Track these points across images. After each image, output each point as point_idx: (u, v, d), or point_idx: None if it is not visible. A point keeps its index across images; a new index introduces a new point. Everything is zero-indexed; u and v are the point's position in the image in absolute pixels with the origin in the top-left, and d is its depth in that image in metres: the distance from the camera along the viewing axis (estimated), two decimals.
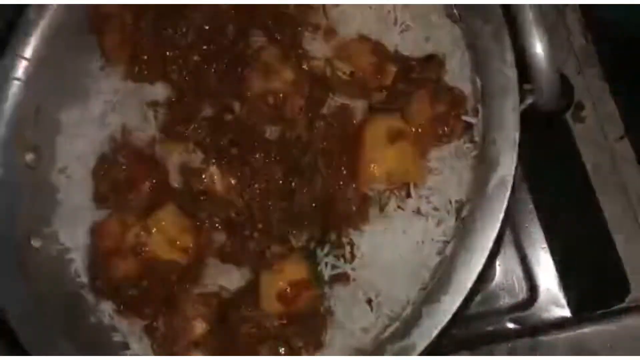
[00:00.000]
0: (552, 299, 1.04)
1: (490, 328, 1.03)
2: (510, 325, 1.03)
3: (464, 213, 0.73)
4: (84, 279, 1.02)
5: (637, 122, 1.34)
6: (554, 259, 1.05)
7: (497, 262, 1.05)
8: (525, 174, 1.10)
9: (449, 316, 0.69)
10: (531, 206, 1.06)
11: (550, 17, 1.32)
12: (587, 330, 1.02)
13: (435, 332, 0.69)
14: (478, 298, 1.05)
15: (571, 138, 1.25)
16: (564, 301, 1.04)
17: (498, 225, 0.68)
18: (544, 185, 1.13)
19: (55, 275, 1.01)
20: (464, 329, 1.04)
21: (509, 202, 0.99)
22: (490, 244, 0.67)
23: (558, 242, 1.07)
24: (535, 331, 1.02)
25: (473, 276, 0.68)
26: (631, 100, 1.37)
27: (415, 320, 0.71)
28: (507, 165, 0.68)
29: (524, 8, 0.58)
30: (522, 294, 1.04)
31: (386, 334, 0.73)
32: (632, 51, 1.36)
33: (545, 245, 1.06)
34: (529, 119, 1.12)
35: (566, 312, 1.03)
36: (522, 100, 0.68)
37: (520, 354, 1.02)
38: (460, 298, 0.69)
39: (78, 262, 1.03)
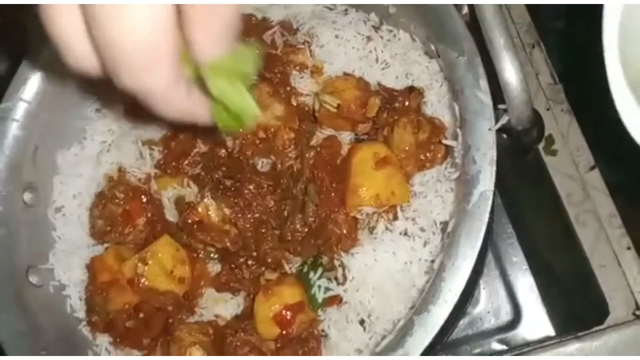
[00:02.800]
0: (536, 319, 1.08)
1: (477, 350, 1.06)
2: (497, 346, 1.06)
3: (449, 229, 0.77)
4: (80, 314, 1.04)
5: (606, 153, 1.42)
6: (536, 282, 1.10)
7: (482, 286, 1.10)
8: (504, 203, 1.16)
9: (439, 325, 0.73)
10: (511, 231, 1.11)
11: (520, 57, 1.42)
12: (570, 349, 1.05)
13: (427, 341, 0.72)
14: (465, 321, 1.08)
15: (544, 170, 1.32)
16: (547, 322, 1.08)
17: (482, 235, 0.73)
18: (523, 213, 1.19)
19: (52, 311, 1.02)
20: (452, 352, 1.07)
21: (491, 227, 1.05)
22: (475, 253, 0.72)
23: (539, 266, 1.12)
24: (521, 351, 1.05)
25: (461, 284, 0.72)
26: (599, 132, 1.46)
27: (407, 330, 0.74)
28: (487, 181, 0.74)
29: (494, 35, 0.65)
30: (506, 315, 1.08)
31: (379, 348, 0.76)
32: (595, 88, 1.46)
33: (527, 269, 1.10)
34: (506, 152, 1.19)
35: (550, 332, 1.07)
36: (497, 120, 0.74)
37: None
38: (450, 306, 0.72)
39: (74, 298, 1.05)
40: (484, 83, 0.76)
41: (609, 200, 1.31)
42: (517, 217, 1.13)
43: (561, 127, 1.36)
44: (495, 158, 0.74)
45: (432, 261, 0.87)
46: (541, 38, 1.40)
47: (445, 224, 0.87)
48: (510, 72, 0.65)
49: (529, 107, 0.68)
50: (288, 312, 0.89)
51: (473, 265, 0.72)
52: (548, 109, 1.37)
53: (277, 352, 0.91)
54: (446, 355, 1.08)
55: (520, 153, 1.26)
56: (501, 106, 0.73)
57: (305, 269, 0.93)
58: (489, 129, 0.73)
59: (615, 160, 1.46)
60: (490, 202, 0.73)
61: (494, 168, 0.74)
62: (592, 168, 1.34)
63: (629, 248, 1.27)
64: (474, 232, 0.73)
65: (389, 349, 0.75)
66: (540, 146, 1.34)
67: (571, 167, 1.33)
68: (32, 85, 1.06)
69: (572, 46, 1.47)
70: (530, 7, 1.40)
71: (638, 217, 1.36)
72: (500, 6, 0.66)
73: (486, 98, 0.75)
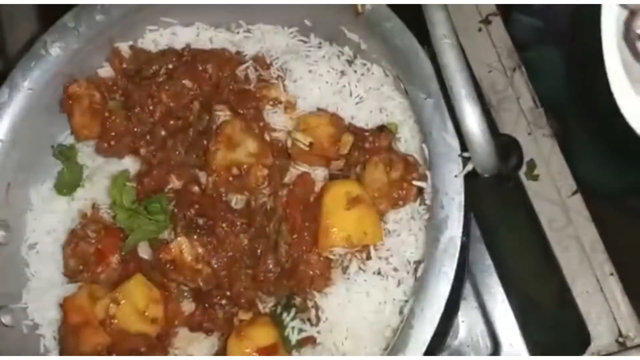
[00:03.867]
0: (516, 351, 1.07)
1: None
2: None
3: (419, 273, 0.77)
4: (54, 353, 1.03)
5: (588, 178, 1.42)
6: (514, 313, 1.09)
7: (461, 319, 1.09)
8: (482, 231, 1.14)
9: None
10: (489, 262, 1.10)
11: (501, 81, 1.42)
12: None
13: None
14: (445, 355, 1.07)
15: (526, 195, 1.32)
16: (526, 353, 1.07)
17: (449, 283, 0.72)
18: (501, 241, 1.18)
19: (25, 352, 1.01)
20: None
21: (468, 259, 1.04)
22: (443, 302, 0.71)
23: (517, 295, 1.11)
24: None
25: (429, 333, 0.71)
26: (581, 157, 1.45)
27: None
28: (455, 227, 0.73)
29: (455, 85, 0.64)
30: (485, 349, 1.07)
31: None
32: (578, 111, 1.46)
33: (504, 299, 1.09)
34: (483, 180, 1.19)
35: None
36: (464, 166, 0.74)
37: None
38: (418, 354, 0.71)
39: (48, 337, 1.04)
40: (450, 126, 0.75)
41: (592, 226, 1.30)
42: (496, 246, 1.12)
43: (543, 151, 1.36)
44: (463, 203, 0.73)
45: (406, 301, 0.86)
46: (522, 61, 1.40)
47: (418, 264, 0.86)
48: (472, 123, 0.65)
49: (492, 157, 0.68)
50: (261, 355, 0.88)
51: (442, 311, 0.71)
52: (529, 134, 1.37)
53: None
54: None
55: (500, 181, 1.26)
56: (466, 154, 0.72)
57: (279, 310, 0.92)
58: (456, 175, 0.72)
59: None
60: (458, 248, 0.72)
61: (462, 213, 0.73)
62: (574, 193, 1.34)
63: (611, 274, 1.27)
64: (442, 278, 0.72)
65: None
66: (522, 171, 1.33)
67: (553, 192, 1.33)
68: (4, 123, 1.05)
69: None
70: (510, 31, 1.41)
71: (622, 243, 1.36)
72: (461, 52, 0.65)
73: (453, 141, 0.75)
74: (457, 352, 1.08)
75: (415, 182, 0.85)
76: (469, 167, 0.72)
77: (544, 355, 1.08)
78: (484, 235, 1.14)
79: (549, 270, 1.23)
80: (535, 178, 1.34)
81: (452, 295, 0.76)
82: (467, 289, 1.10)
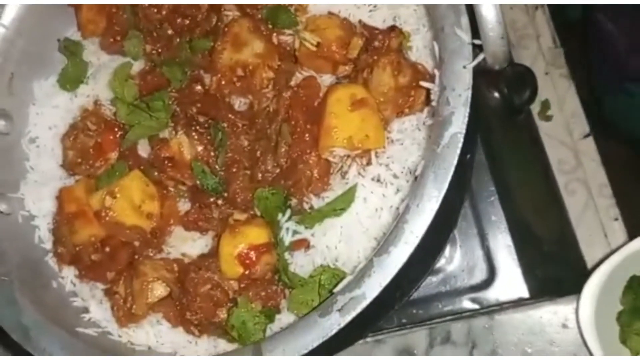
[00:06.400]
0: (511, 281, 1.05)
1: (449, 307, 1.05)
2: (468, 305, 1.04)
3: (417, 172, 0.75)
4: (48, 245, 1.03)
5: (602, 121, 1.38)
6: (514, 243, 1.07)
7: (459, 244, 1.07)
8: (488, 162, 1.12)
9: (398, 267, 0.70)
10: (492, 189, 1.08)
11: (522, 19, 1.38)
12: (543, 311, 1.04)
13: (384, 282, 0.70)
14: (438, 278, 1.06)
15: (537, 135, 1.29)
16: (522, 284, 1.05)
17: (449, 177, 0.70)
18: (507, 173, 1.15)
19: (19, 239, 1.01)
20: (423, 308, 1.05)
21: (469, 182, 1.02)
22: (441, 195, 0.69)
23: (518, 227, 1.09)
24: (493, 310, 1.03)
25: (423, 226, 0.69)
26: (596, 99, 1.42)
27: (366, 271, 0.72)
28: (459, 123, 0.71)
29: None
30: (481, 275, 1.06)
31: (338, 288, 0.74)
32: (599, 53, 1.41)
33: (505, 229, 1.08)
34: (496, 112, 1.15)
35: (524, 294, 1.04)
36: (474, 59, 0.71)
37: (478, 332, 1.03)
38: (410, 248, 0.70)
39: (43, 229, 1.04)
40: (464, 20, 0.72)
41: (601, 170, 1.28)
42: (501, 177, 1.10)
43: (559, 92, 1.33)
44: (469, 99, 0.71)
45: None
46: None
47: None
48: (487, 6, 0.61)
49: (505, 41, 0.65)
50: (253, 252, 0.87)
51: (438, 206, 0.69)
52: (547, 73, 1.33)
53: (239, 292, 0.89)
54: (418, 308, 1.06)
55: (512, 113, 1.23)
56: (476, 41, 0.69)
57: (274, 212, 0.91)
58: (464, 67, 0.70)
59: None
60: (460, 145, 0.70)
61: (467, 109, 0.70)
62: (586, 136, 1.30)
63: (616, 219, 1.24)
64: (441, 173, 0.70)
65: (347, 290, 0.72)
66: (535, 111, 1.30)
67: (565, 134, 1.30)
68: (10, 10, 1.04)
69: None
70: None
71: (629, 189, 1.33)
72: None
73: (465, 36, 0.72)
74: (451, 277, 1.07)
75: (422, 83, 0.82)
76: (480, 57, 0.69)
77: (541, 287, 1.07)
78: (490, 165, 1.11)
79: (553, 209, 1.21)
80: (548, 118, 1.31)
81: (450, 201, 0.74)
82: (468, 215, 1.08)
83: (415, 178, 0.77)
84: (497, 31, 0.64)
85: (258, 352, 0.75)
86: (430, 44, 0.90)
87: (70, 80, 1.08)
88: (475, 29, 0.74)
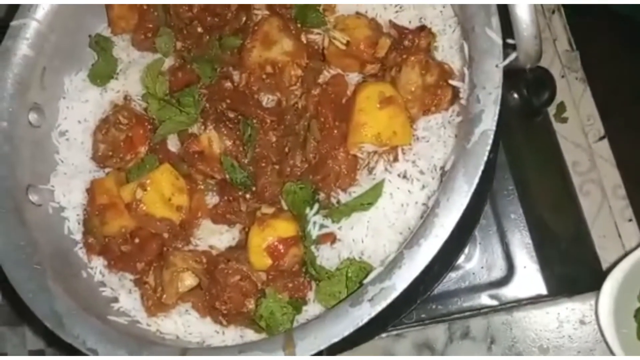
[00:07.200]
0: (529, 278, 1.07)
1: (468, 303, 1.07)
2: (487, 301, 1.06)
3: (447, 167, 0.77)
4: (77, 236, 1.05)
5: (616, 124, 1.41)
6: (532, 241, 1.09)
7: (478, 241, 1.09)
8: (509, 161, 1.14)
9: (429, 259, 0.72)
10: (512, 188, 1.10)
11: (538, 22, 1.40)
12: (561, 307, 1.06)
13: (414, 274, 0.72)
14: (458, 274, 1.08)
15: (554, 137, 1.31)
16: (540, 281, 1.07)
17: (479, 173, 0.72)
18: (526, 174, 1.18)
19: (49, 230, 1.03)
20: (443, 303, 1.07)
21: (491, 180, 1.04)
22: (471, 190, 0.71)
23: (537, 225, 1.11)
24: (511, 307, 1.05)
25: (454, 219, 0.72)
26: (611, 103, 1.44)
27: (396, 263, 0.74)
28: (489, 120, 0.73)
29: None
30: (500, 272, 1.08)
31: (369, 277, 0.77)
32: (614, 54, 1.44)
33: (524, 226, 1.10)
34: (516, 113, 1.17)
35: (542, 291, 1.06)
36: (505, 57, 0.73)
37: (496, 328, 1.05)
38: (440, 241, 0.72)
39: (72, 221, 1.06)
40: (495, 20, 0.75)
41: (616, 171, 1.30)
42: (520, 176, 1.12)
43: (574, 95, 1.35)
44: (499, 97, 0.73)
45: (428, 205, 0.86)
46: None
47: (444, 171, 0.86)
48: (522, 6, 0.64)
49: (538, 41, 0.67)
50: (281, 245, 0.89)
51: (468, 201, 0.72)
52: (563, 76, 1.36)
53: (267, 283, 0.91)
54: (437, 304, 1.08)
55: (530, 115, 1.25)
56: (509, 40, 0.72)
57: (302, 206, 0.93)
58: (496, 66, 0.72)
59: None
60: (490, 141, 0.72)
61: (498, 107, 0.73)
62: (601, 138, 1.33)
63: (630, 220, 1.27)
64: (471, 169, 0.72)
65: (377, 281, 0.74)
66: (551, 113, 1.33)
67: (580, 136, 1.32)
68: (44, 5, 1.06)
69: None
70: None
71: None
72: None
73: (496, 36, 0.74)
74: (470, 273, 1.09)
75: (451, 82, 0.85)
76: (512, 56, 0.71)
77: (559, 285, 1.09)
78: (510, 164, 1.13)
79: (570, 208, 1.24)
80: (564, 120, 1.33)
81: (477, 197, 0.77)
82: (487, 213, 1.10)
83: (444, 174, 0.80)
84: (531, 30, 0.66)
85: (289, 340, 0.77)
86: (457, 44, 0.92)
87: (101, 75, 1.10)
88: (504, 28, 0.77)
